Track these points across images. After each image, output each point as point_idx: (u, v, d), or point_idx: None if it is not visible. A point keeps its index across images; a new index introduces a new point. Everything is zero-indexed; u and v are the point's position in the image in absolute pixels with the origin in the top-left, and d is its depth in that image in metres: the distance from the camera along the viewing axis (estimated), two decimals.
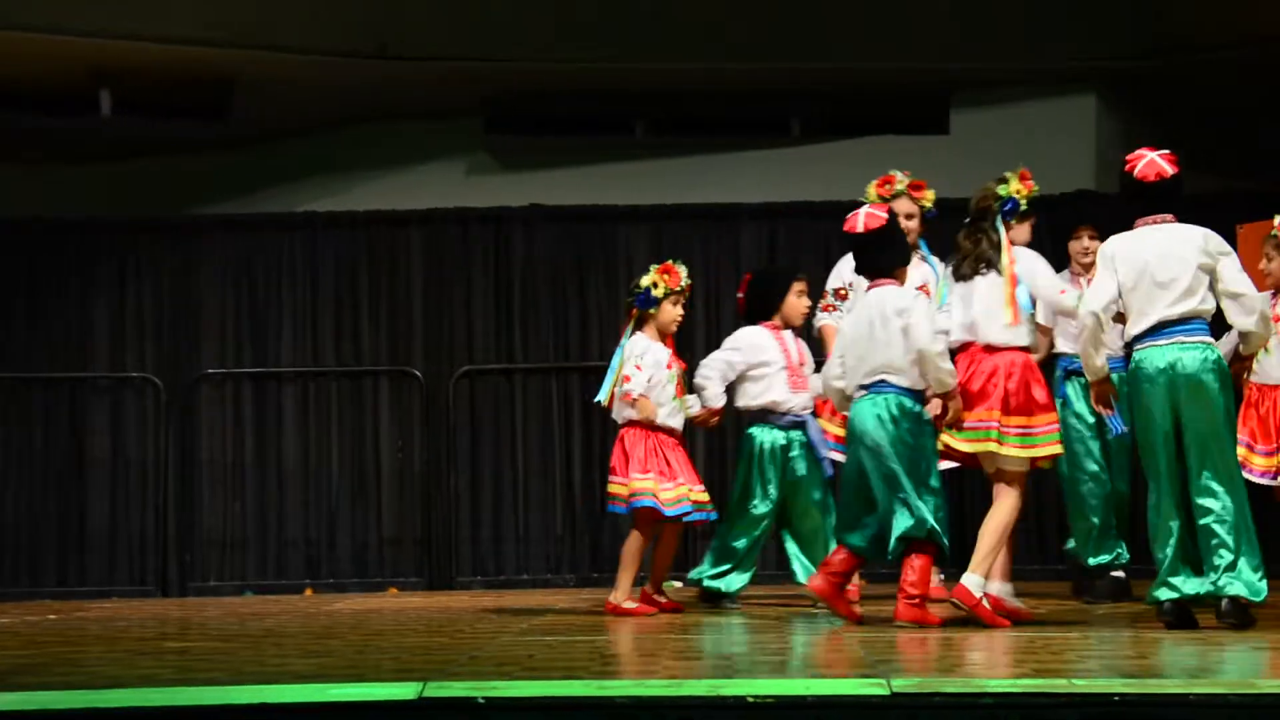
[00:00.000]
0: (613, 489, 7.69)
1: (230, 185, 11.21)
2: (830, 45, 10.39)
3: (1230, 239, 6.76)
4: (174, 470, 10.74)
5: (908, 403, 6.76)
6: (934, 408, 6.78)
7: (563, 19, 10.32)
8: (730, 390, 8.04)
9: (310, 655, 5.72)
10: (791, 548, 8.06)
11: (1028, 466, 6.78)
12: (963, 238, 6.98)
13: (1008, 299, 6.78)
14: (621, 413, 7.73)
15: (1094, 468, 8.11)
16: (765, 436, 7.93)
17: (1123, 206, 6.62)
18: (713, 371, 7.94)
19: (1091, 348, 6.46)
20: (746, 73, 10.54)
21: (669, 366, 7.75)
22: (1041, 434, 6.74)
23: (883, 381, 6.78)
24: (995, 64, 10.60)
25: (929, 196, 8.16)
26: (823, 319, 8.32)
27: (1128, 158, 6.56)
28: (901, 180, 8.10)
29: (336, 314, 10.97)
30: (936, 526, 6.66)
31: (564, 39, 10.36)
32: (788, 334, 8.08)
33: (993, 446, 6.69)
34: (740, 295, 8.25)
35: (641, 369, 7.63)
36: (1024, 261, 6.86)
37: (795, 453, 7.94)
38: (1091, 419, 8.05)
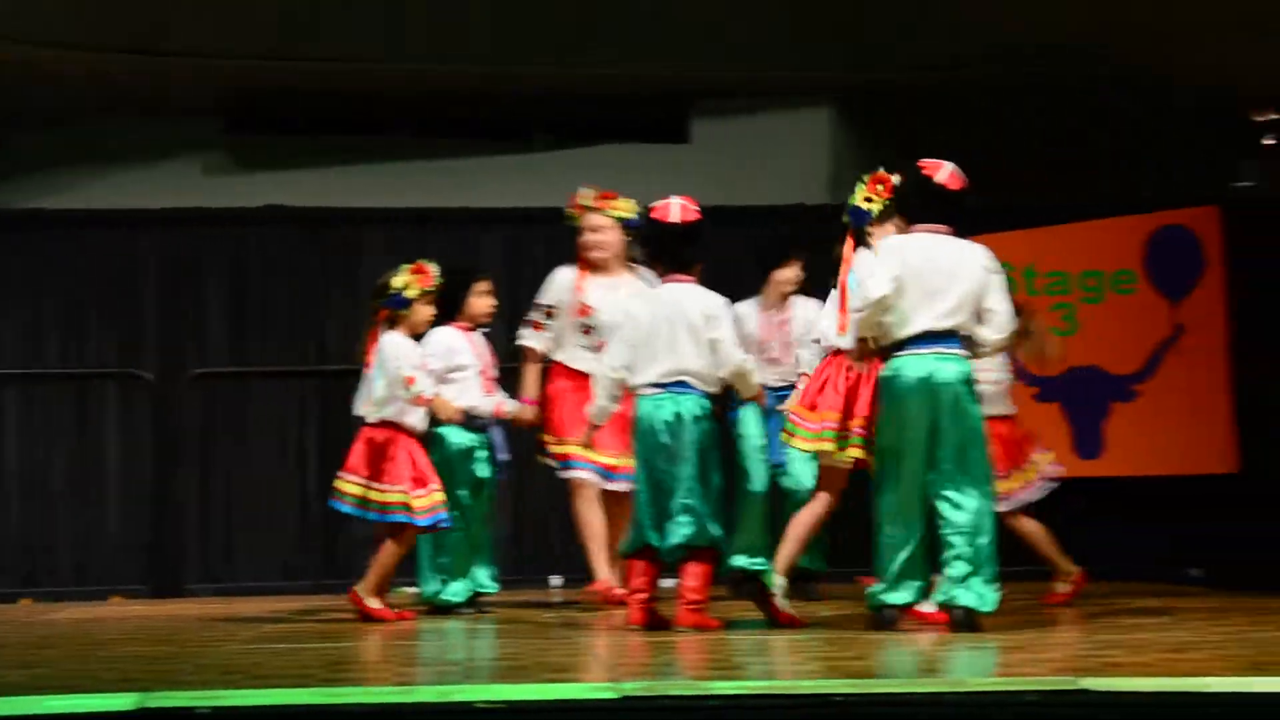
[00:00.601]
0: (349, 489, 7.60)
1: None
2: (574, 53, 10.43)
3: None
4: None
5: (706, 405, 6.68)
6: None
7: (306, 17, 10.17)
8: None
9: (25, 666, 5.56)
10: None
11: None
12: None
13: (839, 308, 6.84)
14: (400, 414, 7.62)
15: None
16: (456, 439, 7.93)
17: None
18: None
19: (870, 332, 6.53)
20: (490, 77, 10.52)
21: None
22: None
23: (682, 383, 6.66)
24: (734, 74, 10.75)
25: (624, 206, 8.19)
26: (528, 338, 8.39)
27: (922, 163, 6.61)
28: (586, 195, 8.13)
29: (63, 314, 10.64)
30: (720, 535, 6.66)
31: (308, 38, 10.21)
32: (477, 335, 8.10)
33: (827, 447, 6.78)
34: None
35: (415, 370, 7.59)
36: (856, 268, 6.84)
37: (480, 455, 7.97)
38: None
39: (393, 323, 7.69)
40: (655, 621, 6.63)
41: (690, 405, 6.63)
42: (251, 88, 10.58)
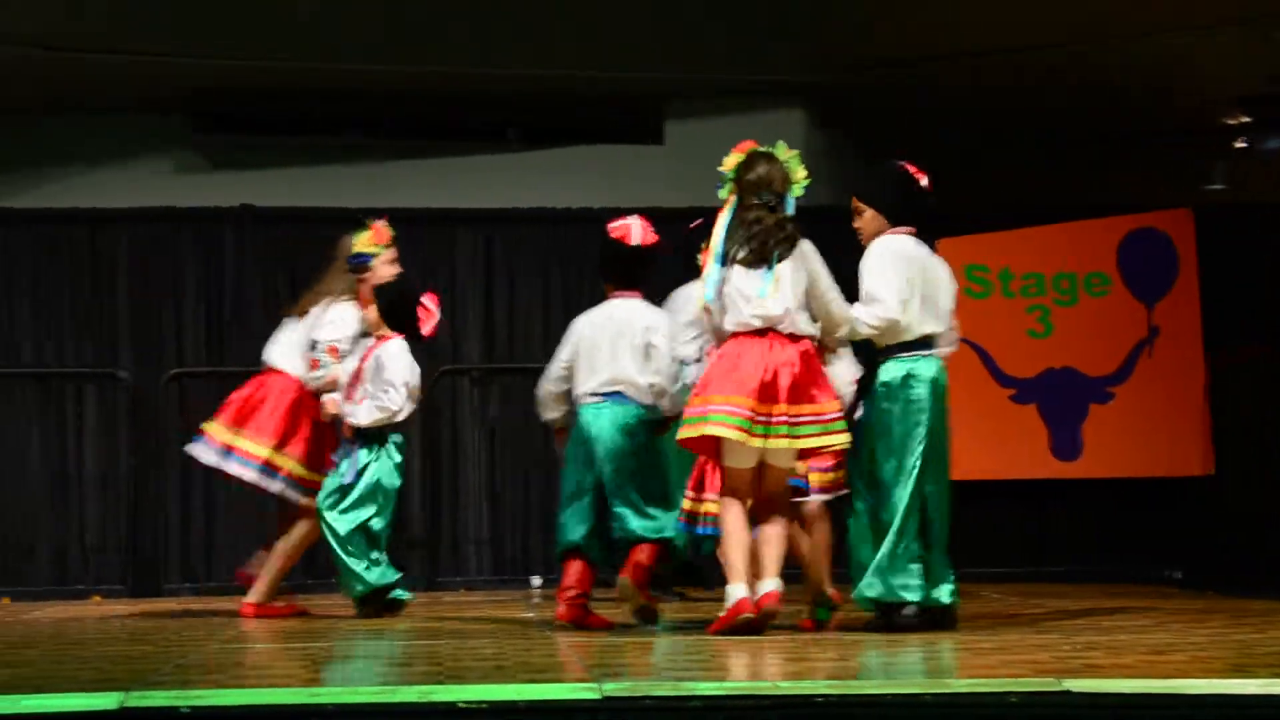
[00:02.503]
0: None
1: None
2: (548, 53, 10.42)
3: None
4: None
5: (645, 415, 6.84)
6: None
7: (277, 16, 10.14)
8: None
9: (4, 666, 5.53)
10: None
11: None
12: None
13: None
14: None
15: None
16: None
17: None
18: None
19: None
20: (465, 77, 10.51)
21: None
22: None
23: (619, 394, 6.82)
24: (707, 75, 10.76)
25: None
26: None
27: (907, 165, 6.74)
28: (387, 229, 8.08)
29: (36, 315, 10.57)
30: (670, 536, 6.74)
31: (278, 37, 10.17)
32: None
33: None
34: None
35: None
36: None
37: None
38: None
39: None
40: (588, 621, 6.74)
41: (629, 413, 6.79)
42: (221, 87, 10.54)
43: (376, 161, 11.00)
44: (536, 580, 10.33)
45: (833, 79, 10.71)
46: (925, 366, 6.51)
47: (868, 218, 6.74)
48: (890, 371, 6.53)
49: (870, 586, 6.42)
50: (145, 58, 10.03)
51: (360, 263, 8.01)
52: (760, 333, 6.36)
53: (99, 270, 10.68)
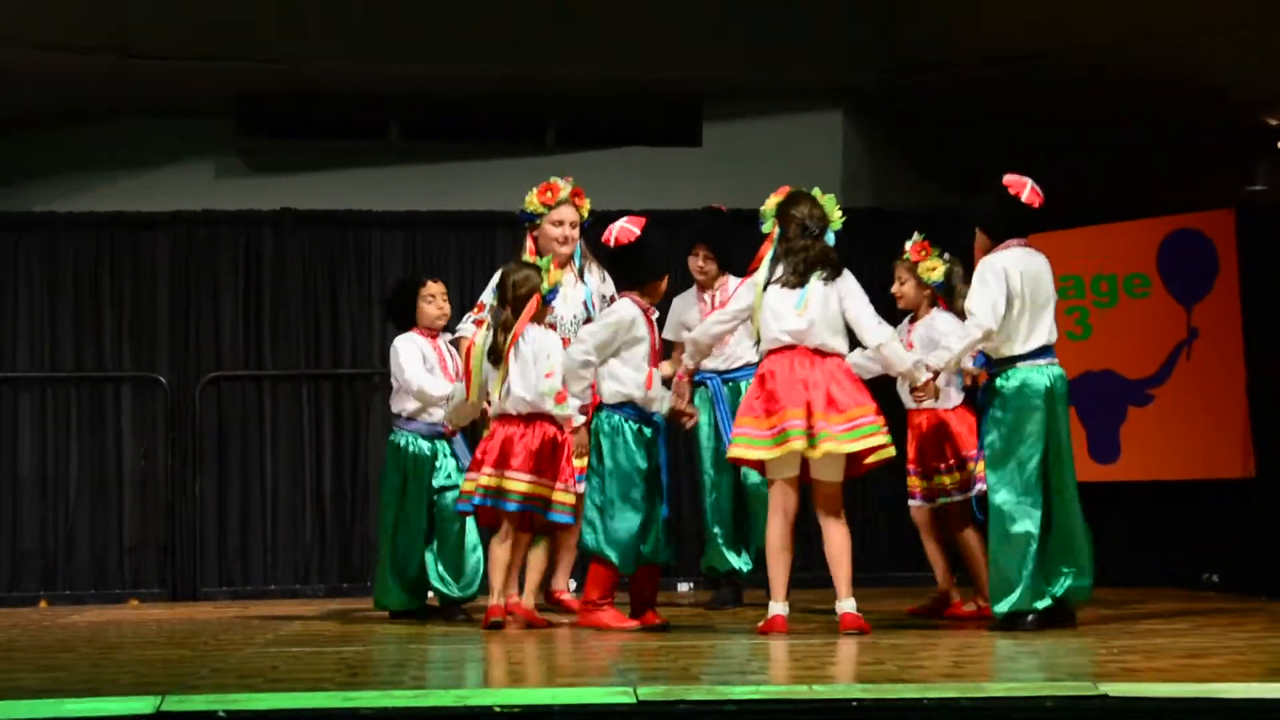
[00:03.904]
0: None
1: None
2: (585, 55, 10.44)
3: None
4: None
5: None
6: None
7: (316, 19, 10.19)
8: None
9: (43, 670, 5.57)
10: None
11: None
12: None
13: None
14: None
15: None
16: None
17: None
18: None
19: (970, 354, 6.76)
20: (502, 80, 10.53)
21: None
22: None
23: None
24: (746, 77, 10.75)
25: (588, 205, 8.04)
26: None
27: (1007, 181, 6.80)
28: (564, 187, 7.96)
29: (76, 317, 10.63)
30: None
31: (317, 40, 10.21)
32: (441, 341, 8.00)
33: None
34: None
35: None
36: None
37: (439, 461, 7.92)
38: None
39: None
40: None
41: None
42: (263, 90, 10.58)
43: (416, 165, 11.02)
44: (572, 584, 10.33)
45: (871, 81, 10.69)
46: (1027, 375, 6.63)
47: (978, 238, 6.87)
48: (994, 384, 6.72)
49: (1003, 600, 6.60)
50: (189, 62, 10.08)
51: (524, 220, 7.96)
52: (789, 348, 6.60)
53: (139, 273, 10.72)
